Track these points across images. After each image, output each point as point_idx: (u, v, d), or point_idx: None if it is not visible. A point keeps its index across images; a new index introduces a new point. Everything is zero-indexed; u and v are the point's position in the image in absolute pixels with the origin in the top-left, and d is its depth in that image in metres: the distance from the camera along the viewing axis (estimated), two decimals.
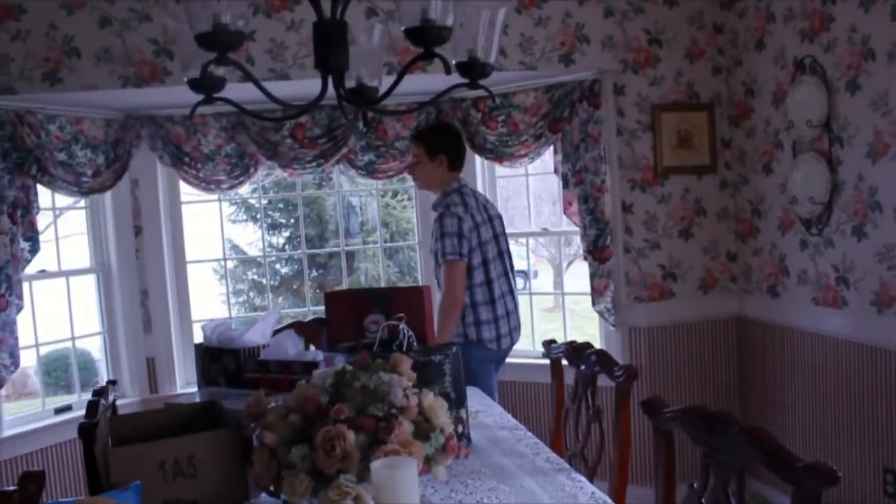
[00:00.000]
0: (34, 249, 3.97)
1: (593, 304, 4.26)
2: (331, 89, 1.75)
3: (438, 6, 1.52)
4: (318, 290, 9.31)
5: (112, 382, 2.87)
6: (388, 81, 1.97)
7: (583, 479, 2.22)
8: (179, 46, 1.73)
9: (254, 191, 5.69)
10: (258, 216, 9.40)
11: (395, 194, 9.74)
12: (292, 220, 10.52)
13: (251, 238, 10.20)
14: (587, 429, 2.73)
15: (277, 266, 10.54)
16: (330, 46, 1.62)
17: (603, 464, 2.70)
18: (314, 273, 10.21)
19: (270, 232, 10.47)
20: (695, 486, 1.89)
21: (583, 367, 2.76)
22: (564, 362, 3.01)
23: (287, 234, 10.70)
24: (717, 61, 4.21)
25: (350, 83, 1.84)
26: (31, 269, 4.04)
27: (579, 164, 4.19)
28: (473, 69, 1.69)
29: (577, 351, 2.85)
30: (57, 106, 3.98)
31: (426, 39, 1.53)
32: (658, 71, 4.15)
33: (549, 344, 3.12)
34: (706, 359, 4.32)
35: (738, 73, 4.15)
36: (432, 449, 1.83)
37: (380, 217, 6.05)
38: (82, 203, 4.47)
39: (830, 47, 3.42)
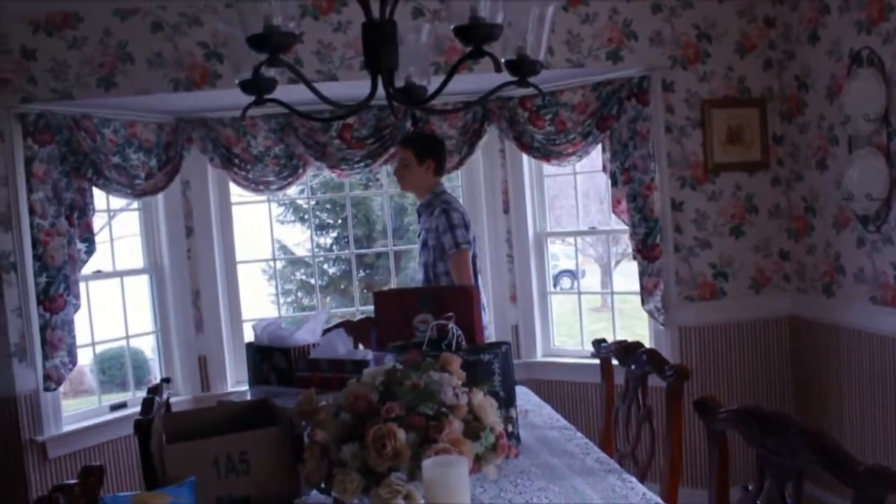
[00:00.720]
0: (90, 250, 4.07)
1: (643, 303, 4.21)
2: (379, 89, 1.76)
3: (488, 4, 1.52)
4: (365, 290, 9.36)
5: (166, 380, 2.92)
6: (434, 81, 1.98)
7: (634, 479, 2.20)
8: (230, 49, 1.76)
9: (301, 191, 5.74)
10: (306, 217, 9.49)
11: None
12: (339, 221, 10.58)
13: (299, 238, 10.30)
14: (638, 429, 2.70)
15: (325, 266, 10.62)
16: (379, 46, 1.63)
17: (654, 465, 2.67)
18: (361, 273, 10.26)
19: (318, 232, 10.55)
20: (749, 488, 1.86)
21: (633, 367, 2.73)
22: (614, 362, 2.99)
23: (334, 234, 10.77)
24: (768, 55, 4.13)
25: (399, 83, 1.85)
26: (86, 269, 4.13)
27: (628, 161, 4.15)
28: (523, 67, 1.68)
29: (627, 350, 2.82)
30: (111, 110, 4.07)
31: (476, 37, 1.53)
32: (707, 66, 4.09)
33: (598, 343, 3.10)
34: (759, 359, 4.24)
35: (790, 67, 4.06)
36: (482, 448, 1.82)
37: None
38: (135, 205, 4.57)
39: (889, 38, 3.33)
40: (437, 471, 1.53)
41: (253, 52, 1.67)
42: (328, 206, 10.47)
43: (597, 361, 3.14)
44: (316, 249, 7.43)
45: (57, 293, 3.85)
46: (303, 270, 10.78)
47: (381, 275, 10.15)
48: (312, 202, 6.48)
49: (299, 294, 10.88)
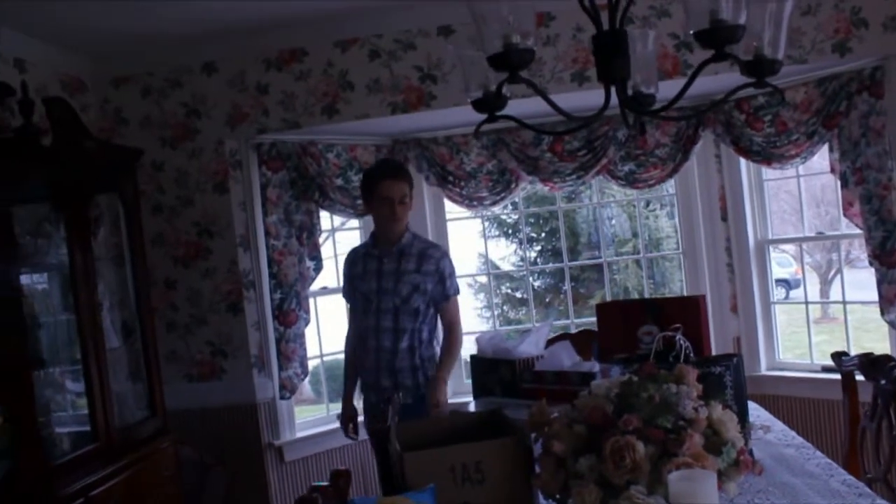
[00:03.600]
0: (318, 268, 4.36)
1: (882, 313, 3.87)
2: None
3: (730, 5, 1.47)
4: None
5: (397, 392, 3.05)
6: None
7: None
8: (462, 69, 1.82)
9: (504, 207, 5.83)
10: (510, 231, 9.60)
11: (647, 204, 9.52)
12: (543, 234, 10.62)
13: (503, 253, 10.43)
14: (890, 451, 2.48)
15: (529, 279, 10.65)
16: (612, 57, 1.63)
17: None
18: (565, 286, 10.18)
19: (522, 246, 10.65)
20: None
21: (882, 382, 2.52)
22: (858, 377, 2.77)
23: (538, 247, 10.83)
24: None
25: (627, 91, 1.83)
26: (314, 286, 4.42)
27: (860, 160, 3.85)
28: (761, 67, 1.62)
29: (874, 364, 2.61)
30: (334, 136, 4.34)
31: (718, 40, 1.49)
32: None
33: (839, 356, 2.88)
34: None
35: None
36: (724, 464, 1.76)
37: (640, 227, 5.96)
38: (353, 223, 4.82)
39: None
40: (685, 485, 1.49)
41: (482, 70, 1.73)
42: (531, 219, 10.55)
43: (828, 376, 2.93)
44: (520, 263, 7.50)
45: (290, 308, 4.16)
46: (507, 284, 10.91)
47: (586, 287, 10.06)
48: (517, 216, 6.55)
49: (505, 307, 11.01)
